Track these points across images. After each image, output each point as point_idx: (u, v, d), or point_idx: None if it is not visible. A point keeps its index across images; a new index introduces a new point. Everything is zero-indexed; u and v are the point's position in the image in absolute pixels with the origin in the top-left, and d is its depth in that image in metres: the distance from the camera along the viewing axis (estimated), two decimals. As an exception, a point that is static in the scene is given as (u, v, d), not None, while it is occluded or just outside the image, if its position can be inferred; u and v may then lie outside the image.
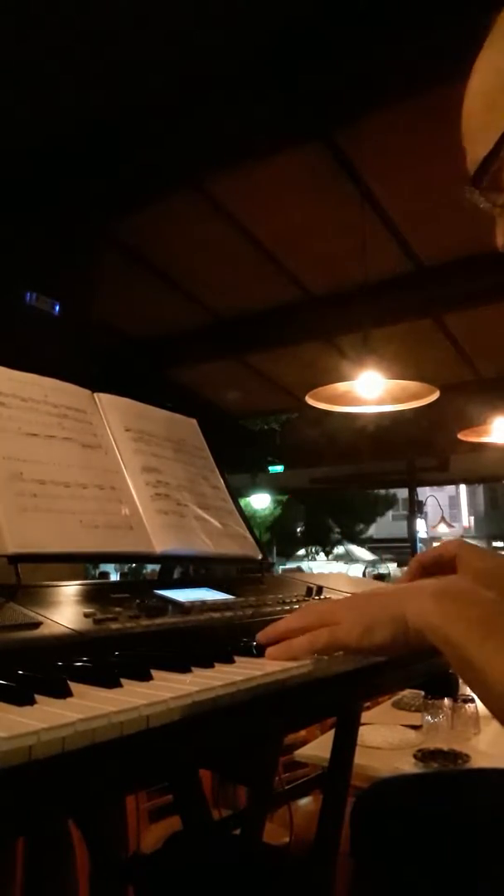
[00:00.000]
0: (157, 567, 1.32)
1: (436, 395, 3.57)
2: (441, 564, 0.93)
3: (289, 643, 0.74)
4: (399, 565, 17.31)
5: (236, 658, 0.71)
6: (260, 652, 0.75)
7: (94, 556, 1.10)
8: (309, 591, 1.12)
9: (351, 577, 1.89)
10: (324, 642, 0.72)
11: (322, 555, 22.52)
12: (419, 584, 0.73)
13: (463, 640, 0.62)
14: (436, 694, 2.05)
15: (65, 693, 0.55)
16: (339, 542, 22.42)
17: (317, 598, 1.11)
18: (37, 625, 0.74)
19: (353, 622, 0.71)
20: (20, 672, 0.60)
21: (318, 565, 20.80)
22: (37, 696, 0.53)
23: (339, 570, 18.06)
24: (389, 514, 21.89)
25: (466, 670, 0.62)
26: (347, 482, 10.73)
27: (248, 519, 1.34)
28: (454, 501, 23.39)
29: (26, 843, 1.03)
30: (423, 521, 14.57)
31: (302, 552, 22.48)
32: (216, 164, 3.56)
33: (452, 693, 2.04)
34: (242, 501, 10.58)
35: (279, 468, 9.49)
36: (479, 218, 0.65)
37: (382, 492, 19.76)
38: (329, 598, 1.10)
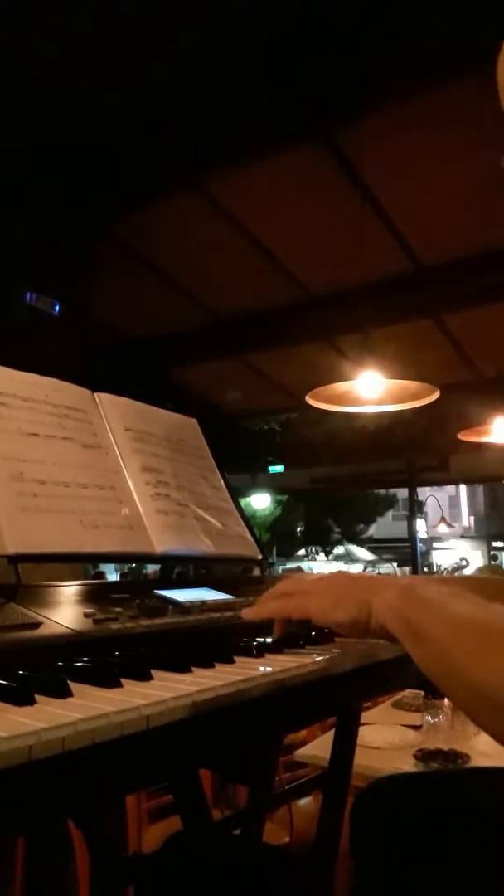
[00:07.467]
0: (157, 567, 1.32)
1: (436, 395, 3.56)
2: None
3: (261, 605, 0.82)
4: (399, 565, 17.30)
5: (236, 658, 0.71)
6: (260, 652, 0.75)
7: (94, 556, 1.10)
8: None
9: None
10: (292, 608, 0.79)
11: (322, 555, 22.48)
12: (391, 578, 0.80)
13: (419, 618, 0.67)
14: (436, 694, 2.05)
15: (65, 693, 0.55)
16: (339, 542, 22.36)
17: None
18: (37, 625, 0.74)
19: (323, 596, 0.77)
20: (20, 672, 0.60)
21: (318, 565, 20.76)
22: (37, 696, 0.53)
23: (339, 570, 17.95)
24: (389, 514, 21.82)
25: (422, 650, 0.66)
26: (347, 482, 10.71)
27: (248, 519, 1.34)
28: (454, 501, 23.33)
29: (26, 843, 1.03)
30: (423, 521, 14.59)
31: (302, 552, 22.42)
32: (216, 164, 3.56)
33: (452, 693, 2.03)
34: (242, 501, 10.55)
35: (279, 468, 9.48)
36: (478, 218, 0.65)
37: (382, 492, 19.71)
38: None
